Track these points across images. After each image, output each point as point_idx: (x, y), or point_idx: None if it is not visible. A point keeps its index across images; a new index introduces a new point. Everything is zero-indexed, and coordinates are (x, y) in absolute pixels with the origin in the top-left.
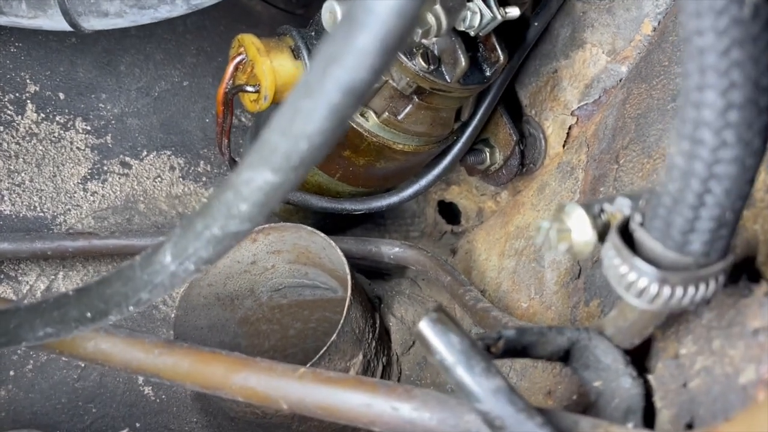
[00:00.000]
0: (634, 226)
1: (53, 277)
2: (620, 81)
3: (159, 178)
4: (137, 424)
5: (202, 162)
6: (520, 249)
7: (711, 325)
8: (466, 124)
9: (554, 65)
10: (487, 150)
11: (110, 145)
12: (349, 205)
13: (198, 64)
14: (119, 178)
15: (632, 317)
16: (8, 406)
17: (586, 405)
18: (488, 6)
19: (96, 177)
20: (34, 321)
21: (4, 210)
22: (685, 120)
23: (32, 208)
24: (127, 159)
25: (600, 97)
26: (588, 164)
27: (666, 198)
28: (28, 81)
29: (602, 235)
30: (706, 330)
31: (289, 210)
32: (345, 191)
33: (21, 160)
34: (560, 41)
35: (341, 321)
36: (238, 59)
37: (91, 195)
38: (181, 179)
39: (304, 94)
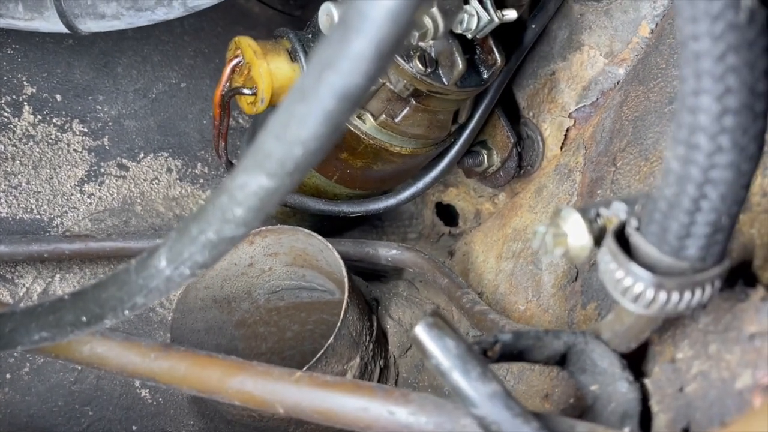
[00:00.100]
0: (630, 231)
1: (50, 279)
2: (618, 83)
3: (156, 180)
4: (134, 427)
5: (199, 164)
6: (518, 251)
7: (707, 330)
8: (463, 127)
9: (552, 67)
10: (484, 152)
11: (107, 147)
12: (346, 208)
13: (195, 66)
14: (116, 180)
15: (628, 321)
16: (5, 409)
17: (583, 409)
18: (485, 8)
19: (93, 179)
20: (30, 325)
21: (1, 212)
22: (681, 125)
23: (29, 210)
24: (124, 161)
25: (597, 99)
26: (585, 166)
27: (662, 203)
28: (24, 83)
29: (598, 240)
30: (703, 334)
31: (287, 212)
32: (342, 193)
33: (18, 162)
34: (558, 43)
35: (338, 324)
36: (234, 62)
37: (88, 197)
38: (178, 181)
39: (298, 99)
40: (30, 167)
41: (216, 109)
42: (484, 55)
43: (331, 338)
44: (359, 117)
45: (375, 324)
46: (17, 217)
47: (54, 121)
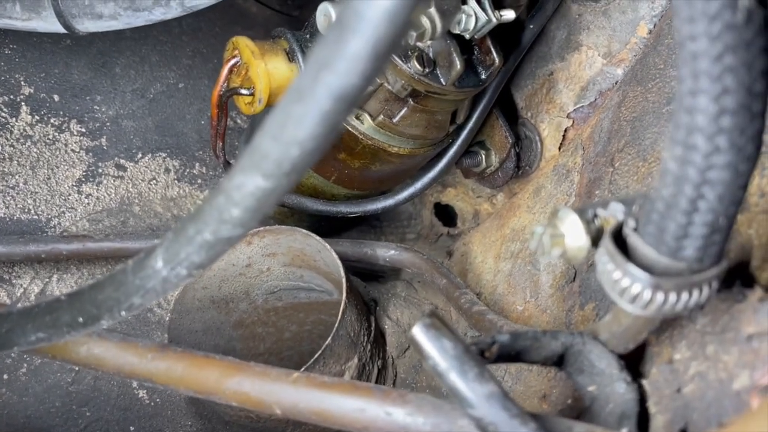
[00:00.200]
0: (628, 232)
1: (47, 280)
2: (616, 83)
3: (154, 181)
4: (131, 428)
5: (197, 164)
6: (516, 252)
7: (705, 331)
8: (461, 127)
9: (550, 67)
10: (482, 152)
11: (105, 148)
12: (344, 208)
13: (194, 66)
14: (114, 181)
15: (626, 322)
16: (2, 410)
17: (581, 410)
18: (483, 9)
19: (91, 179)
20: (27, 325)
21: None
22: (679, 125)
23: (26, 210)
24: (122, 161)
25: (596, 99)
26: (583, 167)
27: (659, 203)
28: (22, 83)
29: (596, 240)
30: (700, 335)
31: (284, 212)
32: (340, 194)
33: (15, 162)
34: (556, 43)
35: (336, 324)
36: (232, 62)
37: (85, 197)
38: (176, 181)
39: (295, 99)
40: (27, 167)
41: (214, 110)
42: (482, 56)
43: (329, 339)
44: (357, 117)
45: (373, 324)
46: (15, 218)
47: (51, 121)
